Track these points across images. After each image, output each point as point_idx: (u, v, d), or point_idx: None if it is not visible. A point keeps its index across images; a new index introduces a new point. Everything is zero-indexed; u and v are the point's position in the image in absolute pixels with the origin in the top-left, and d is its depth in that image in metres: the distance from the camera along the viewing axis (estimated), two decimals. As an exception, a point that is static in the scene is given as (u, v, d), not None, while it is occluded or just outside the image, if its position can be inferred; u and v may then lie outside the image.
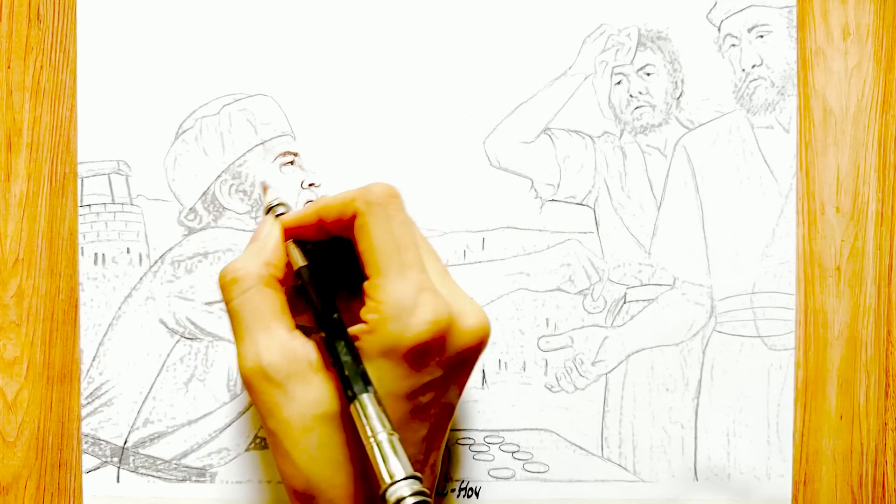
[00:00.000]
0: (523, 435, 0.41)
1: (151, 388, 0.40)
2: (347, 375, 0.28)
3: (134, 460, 0.40)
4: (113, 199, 0.41)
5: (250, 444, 0.41)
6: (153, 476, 0.40)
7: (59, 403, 0.41)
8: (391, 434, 0.26)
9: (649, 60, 0.41)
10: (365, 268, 0.30)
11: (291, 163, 0.41)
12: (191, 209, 0.41)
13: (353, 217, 0.30)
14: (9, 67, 0.41)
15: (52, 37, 0.41)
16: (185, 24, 0.41)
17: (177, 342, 0.40)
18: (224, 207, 0.41)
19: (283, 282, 0.32)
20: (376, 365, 0.28)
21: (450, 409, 0.31)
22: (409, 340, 0.28)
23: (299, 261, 0.32)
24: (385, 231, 0.29)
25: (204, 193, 0.41)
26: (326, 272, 0.32)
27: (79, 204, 0.41)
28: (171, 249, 0.41)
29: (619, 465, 0.41)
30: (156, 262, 0.41)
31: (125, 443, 0.40)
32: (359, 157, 0.41)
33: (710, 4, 0.41)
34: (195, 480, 0.40)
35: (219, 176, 0.41)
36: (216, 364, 0.41)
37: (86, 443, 0.40)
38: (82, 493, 0.40)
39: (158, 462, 0.40)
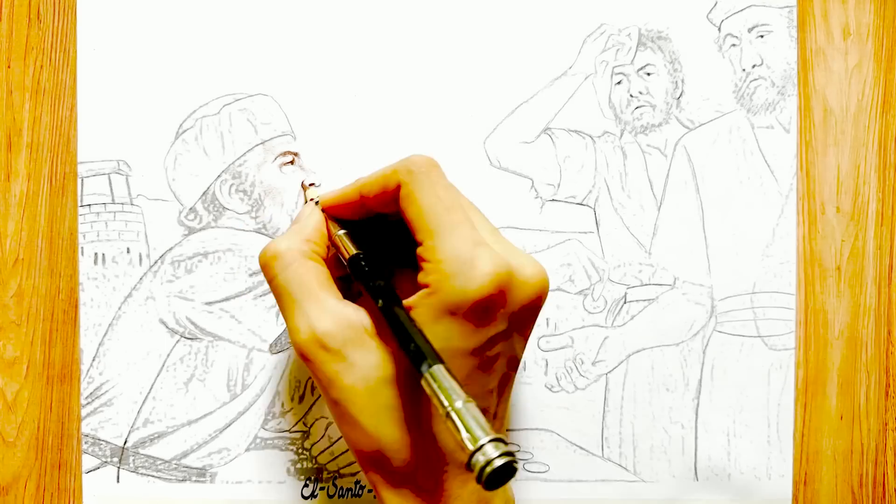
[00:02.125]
0: (523, 435, 0.41)
1: (151, 388, 0.40)
2: (414, 349, 0.27)
3: (134, 460, 0.40)
4: (113, 199, 0.41)
5: (250, 444, 0.41)
6: (153, 476, 0.40)
7: (59, 403, 0.41)
8: (468, 401, 0.26)
9: (649, 60, 0.41)
10: (416, 234, 0.30)
11: (291, 163, 0.41)
12: (191, 209, 0.41)
13: (397, 189, 0.30)
14: (9, 67, 0.41)
15: (52, 37, 0.41)
16: (185, 24, 0.41)
17: (177, 342, 0.40)
18: (224, 207, 0.41)
19: (326, 263, 0.32)
20: (442, 325, 0.28)
21: (516, 360, 0.31)
22: (473, 294, 0.28)
23: (351, 249, 0.32)
24: (432, 195, 0.30)
25: (204, 193, 0.41)
26: (374, 256, 0.32)
27: (79, 204, 0.41)
28: (171, 249, 0.41)
29: (619, 465, 0.41)
30: (156, 262, 0.41)
31: (125, 443, 0.40)
32: (359, 157, 0.41)
33: (710, 4, 0.41)
34: (195, 480, 0.40)
35: (219, 176, 0.41)
36: (216, 364, 0.41)
37: (86, 443, 0.40)
38: (82, 493, 0.40)
39: (158, 462, 0.40)
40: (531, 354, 0.41)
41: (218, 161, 0.41)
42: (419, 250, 0.30)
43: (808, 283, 0.41)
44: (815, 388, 0.41)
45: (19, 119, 0.41)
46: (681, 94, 0.41)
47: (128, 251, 0.41)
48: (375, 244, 0.34)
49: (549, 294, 0.41)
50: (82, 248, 0.41)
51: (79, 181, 0.40)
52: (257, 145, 0.41)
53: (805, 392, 0.41)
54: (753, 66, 0.41)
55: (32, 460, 0.41)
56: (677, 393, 0.41)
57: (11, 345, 0.41)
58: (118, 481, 0.40)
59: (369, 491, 0.41)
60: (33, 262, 0.41)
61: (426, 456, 0.30)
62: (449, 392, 0.26)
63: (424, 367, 0.27)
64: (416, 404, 0.30)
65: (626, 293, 0.41)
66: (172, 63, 0.41)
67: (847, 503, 0.41)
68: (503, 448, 0.24)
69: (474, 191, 0.41)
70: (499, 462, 0.24)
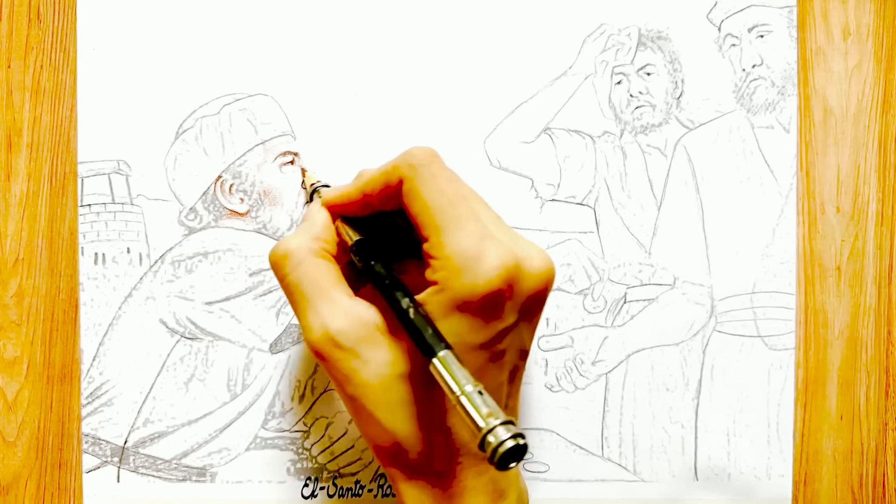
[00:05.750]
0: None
1: (151, 387, 0.40)
2: (422, 336, 0.28)
3: (134, 460, 0.40)
4: (113, 199, 0.41)
5: (250, 443, 0.41)
6: (153, 476, 0.40)
7: (59, 403, 0.41)
8: (477, 385, 0.26)
9: (649, 60, 0.41)
10: (421, 230, 0.30)
11: (291, 162, 0.41)
12: (191, 209, 0.41)
13: (399, 184, 0.30)
14: (9, 67, 0.41)
15: (52, 37, 0.41)
16: (185, 24, 0.41)
17: (177, 342, 0.41)
18: (224, 207, 0.41)
19: (336, 258, 0.32)
20: (452, 320, 0.28)
21: (525, 351, 0.32)
22: (482, 288, 0.28)
23: (353, 235, 0.32)
24: (434, 189, 0.29)
25: (204, 193, 0.41)
26: (379, 244, 0.32)
27: (79, 204, 0.41)
28: (171, 249, 0.41)
29: (619, 464, 0.41)
30: (156, 262, 0.41)
31: (125, 443, 0.40)
32: (359, 157, 0.41)
33: (710, 4, 0.41)
34: (195, 480, 0.40)
35: (219, 176, 0.41)
36: (216, 364, 0.41)
37: (86, 443, 0.40)
38: (82, 493, 0.40)
39: (159, 462, 0.40)
40: (531, 354, 0.41)
41: (218, 161, 0.41)
42: (425, 246, 0.29)
43: (808, 283, 0.41)
44: (815, 388, 0.41)
45: (19, 119, 0.41)
46: (681, 94, 0.41)
47: (128, 251, 0.41)
48: (385, 241, 0.33)
49: (550, 294, 0.41)
50: (82, 248, 0.41)
51: (79, 181, 0.41)
52: (257, 145, 0.41)
53: (805, 392, 0.41)
54: (753, 66, 0.41)
55: (33, 460, 0.41)
56: (677, 393, 0.41)
57: (12, 345, 0.41)
58: (118, 481, 0.40)
59: (369, 491, 0.41)
60: (33, 262, 0.41)
61: (442, 448, 0.30)
62: (458, 378, 0.26)
63: (435, 349, 0.27)
64: (430, 398, 0.30)
65: (626, 293, 0.41)
66: (172, 63, 0.41)
67: (847, 503, 0.41)
68: (514, 430, 0.25)
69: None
70: (510, 443, 0.25)
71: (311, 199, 0.37)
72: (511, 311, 0.29)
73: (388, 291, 0.30)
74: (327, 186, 0.35)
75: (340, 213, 0.33)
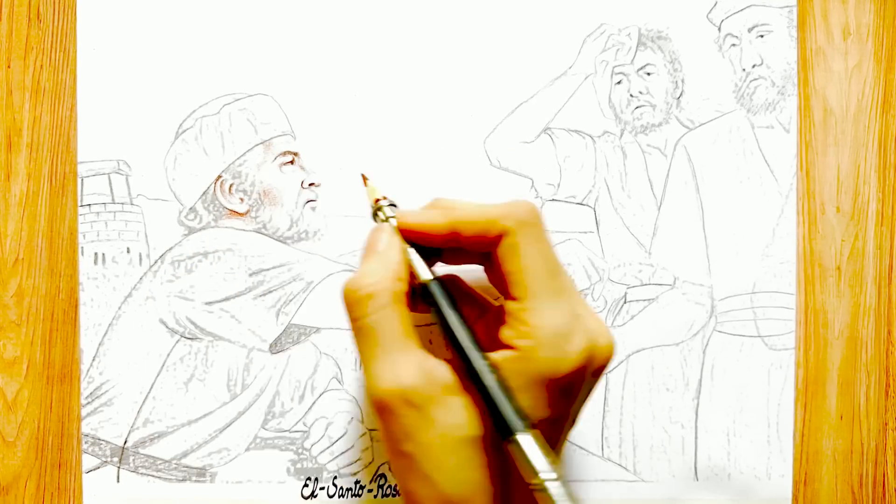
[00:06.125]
0: (523, 435, 0.41)
1: (151, 387, 0.40)
2: (502, 411, 0.27)
3: (134, 460, 0.40)
4: (113, 199, 0.41)
5: (250, 444, 0.41)
6: (153, 476, 0.40)
7: (59, 403, 0.41)
8: (556, 469, 0.26)
9: (650, 60, 0.41)
10: (510, 288, 0.29)
11: (291, 162, 0.41)
12: (191, 209, 0.41)
13: (498, 236, 0.29)
14: (9, 67, 0.41)
15: (52, 36, 0.41)
16: (185, 24, 0.41)
17: (177, 342, 0.40)
18: (224, 207, 0.41)
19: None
20: (530, 393, 0.28)
21: (573, 422, 0.31)
22: (566, 368, 0.28)
23: (426, 274, 0.31)
24: (537, 253, 0.29)
25: (204, 193, 0.41)
26: (448, 284, 0.31)
27: (79, 204, 0.41)
28: (171, 249, 0.41)
29: (619, 464, 0.41)
30: (156, 262, 0.41)
31: (125, 443, 0.40)
32: (359, 156, 0.41)
33: (710, 4, 0.41)
34: (195, 480, 0.40)
35: (219, 175, 0.41)
36: (216, 364, 0.41)
37: (86, 443, 0.40)
38: (82, 493, 0.40)
39: (158, 462, 0.40)
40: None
41: (218, 161, 0.41)
42: (510, 305, 0.29)
43: (808, 283, 0.41)
44: (815, 388, 0.41)
45: (19, 119, 0.41)
46: (681, 94, 0.41)
47: (128, 251, 0.41)
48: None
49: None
50: (82, 247, 0.41)
51: (79, 181, 0.41)
52: (257, 145, 0.41)
53: (805, 392, 0.41)
54: (753, 66, 0.41)
55: (32, 460, 0.41)
56: (677, 393, 0.41)
57: (11, 345, 0.41)
58: (118, 481, 0.40)
59: (369, 491, 0.41)
60: (33, 262, 0.41)
61: None
62: (541, 462, 0.26)
63: (516, 428, 0.27)
64: (494, 465, 0.29)
65: (626, 293, 0.41)
66: (172, 63, 0.41)
67: (847, 503, 0.41)
68: None
69: (474, 191, 0.41)
70: None
71: (374, 216, 0.33)
72: (584, 389, 0.30)
73: (462, 350, 0.29)
74: (394, 206, 0.33)
75: (414, 239, 0.31)
